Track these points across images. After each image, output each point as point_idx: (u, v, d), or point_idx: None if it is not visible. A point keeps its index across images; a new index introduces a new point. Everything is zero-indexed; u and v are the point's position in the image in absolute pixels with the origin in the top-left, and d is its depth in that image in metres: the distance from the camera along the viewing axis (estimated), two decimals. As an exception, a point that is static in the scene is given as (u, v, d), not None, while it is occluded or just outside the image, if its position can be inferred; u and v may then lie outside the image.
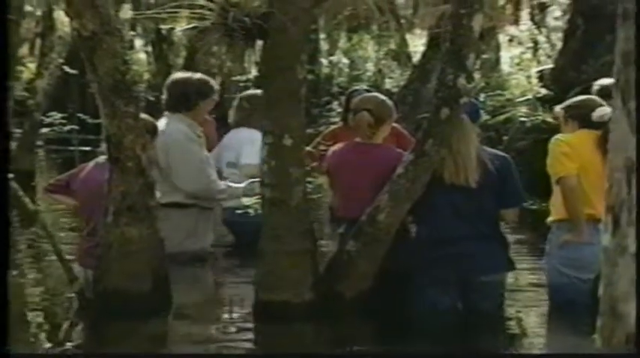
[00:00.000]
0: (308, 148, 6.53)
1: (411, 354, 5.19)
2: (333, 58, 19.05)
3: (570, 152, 5.68)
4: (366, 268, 5.69)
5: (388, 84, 16.77)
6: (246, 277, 6.27)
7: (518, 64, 14.74)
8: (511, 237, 6.12)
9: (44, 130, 11.10)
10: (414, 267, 5.69)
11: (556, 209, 5.77)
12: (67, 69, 13.34)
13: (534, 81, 12.77)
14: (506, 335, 5.69)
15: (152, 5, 14.51)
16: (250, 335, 5.63)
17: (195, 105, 7.28)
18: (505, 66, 15.77)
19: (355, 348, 5.36)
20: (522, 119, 11.48)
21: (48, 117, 10.48)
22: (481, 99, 11.94)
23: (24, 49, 19.79)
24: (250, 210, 6.52)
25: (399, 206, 5.63)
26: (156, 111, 7.77)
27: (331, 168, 6.11)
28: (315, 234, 5.88)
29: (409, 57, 17.49)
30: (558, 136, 5.83)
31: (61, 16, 18.23)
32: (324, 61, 18.73)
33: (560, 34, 14.44)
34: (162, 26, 15.29)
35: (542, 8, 17.20)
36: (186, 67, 14.14)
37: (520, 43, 16.49)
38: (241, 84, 12.61)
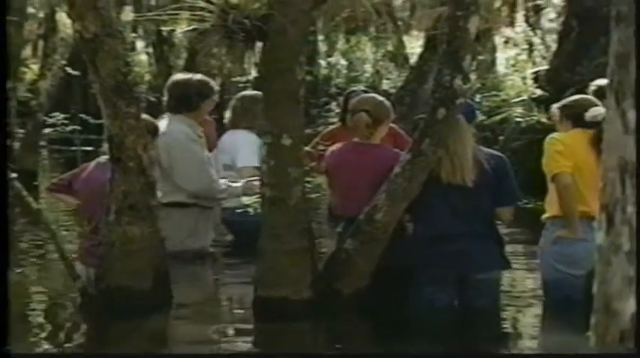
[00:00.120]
0: (307, 148, 6.56)
1: (410, 354, 5.19)
2: (332, 60, 19.01)
3: (565, 150, 5.71)
4: (364, 266, 5.71)
5: (386, 85, 16.73)
6: (246, 276, 6.28)
7: (513, 66, 14.75)
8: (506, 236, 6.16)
9: (47, 130, 11.06)
10: (412, 265, 5.71)
11: (550, 206, 5.80)
12: (69, 70, 13.32)
13: (529, 82, 12.75)
14: (502, 331, 5.72)
15: (153, 7, 14.49)
16: (249, 332, 5.64)
17: (196, 106, 7.29)
18: (501, 67, 15.77)
19: (352, 346, 5.39)
20: (518, 119, 11.49)
21: (51, 117, 10.43)
22: (477, 99, 11.92)
23: (27, 51, 19.75)
24: (250, 210, 6.55)
25: (396, 205, 5.65)
26: (157, 112, 7.82)
27: (330, 167, 6.12)
28: (314, 233, 5.89)
29: (406, 58, 17.51)
30: (553, 135, 5.86)
31: (63, 18, 18.19)
32: (322, 63, 18.71)
33: (554, 36, 14.46)
34: (163, 28, 15.28)
35: (537, 10, 17.21)
36: (187, 69, 14.15)
37: (515, 45, 16.50)
38: (241, 85, 12.67)
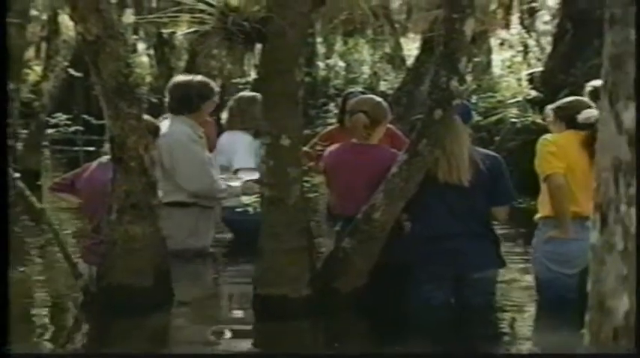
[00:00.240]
0: (305, 148, 6.57)
1: (408, 354, 5.19)
2: (330, 61, 18.99)
3: (557, 151, 5.72)
4: (362, 265, 5.73)
5: (383, 86, 16.71)
6: (245, 274, 6.30)
7: (508, 67, 14.73)
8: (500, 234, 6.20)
9: (50, 131, 11.07)
10: (409, 264, 5.75)
11: (543, 206, 5.82)
12: (71, 71, 13.35)
13: (524, 83, 12.77)
14: (497, 329, 5.75)
15: (154, 10, 14.57)
16: (249, 330, 5.68)
17: (196, 107, 7.31)
18: (496, 69, 15.74)
19: (350, 344, 5.40)
20: (513, 120, 11.51)
21: (53, 118, 10.49)
22: (473, 100, 11.94)
23: (30, 53, 19.74)
24: (249, 209, 6.59)
25: (393, 204, 5.68)
26: (158, 113, 7.86)
27: (328, 167, 6.14)
28: (313, 232, 5.90)
29: (403, 60, 17.57)
30: (546, 136, 5.88)
31: (65, 20, 18.19)
32: (320, 64, 18.72)
33: (549, 38, 14.52)
34: (164, 30, 15.30)
35: (532, 13, 17.27)
36: (188, 70, 14.21)
37: (511, 47, 16.53)
38: (241, 86, 12.70)
